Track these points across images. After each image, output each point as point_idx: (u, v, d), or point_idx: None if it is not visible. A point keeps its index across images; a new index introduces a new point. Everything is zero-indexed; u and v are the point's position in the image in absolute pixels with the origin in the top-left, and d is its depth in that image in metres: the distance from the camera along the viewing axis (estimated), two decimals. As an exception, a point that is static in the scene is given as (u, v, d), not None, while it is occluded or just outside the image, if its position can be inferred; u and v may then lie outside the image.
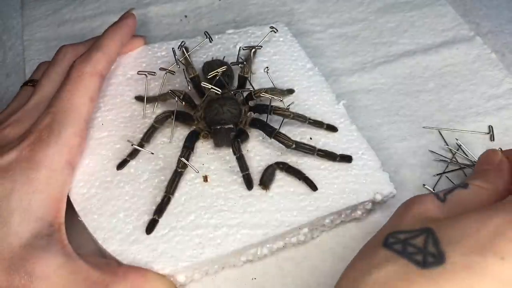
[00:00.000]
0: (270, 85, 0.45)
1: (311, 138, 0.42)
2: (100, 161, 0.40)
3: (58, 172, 0.36)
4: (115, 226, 0.37)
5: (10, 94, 0.50)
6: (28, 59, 0.53)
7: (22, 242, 0.33)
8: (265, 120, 0.42)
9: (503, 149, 0.45)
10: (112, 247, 0.36)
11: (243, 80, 0.45)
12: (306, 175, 0.39)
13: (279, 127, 0.41)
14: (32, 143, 0.36)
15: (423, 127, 0.47)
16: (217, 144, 0.41)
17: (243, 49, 0.47)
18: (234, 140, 0.39)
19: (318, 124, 0.43)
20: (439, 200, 0.32)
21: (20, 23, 0.57)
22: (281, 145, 0.40)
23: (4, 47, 0.55)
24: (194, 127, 0.42)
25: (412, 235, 0.29)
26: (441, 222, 0.29)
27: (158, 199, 0.38)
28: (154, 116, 0.42)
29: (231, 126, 0.41)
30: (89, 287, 0.33)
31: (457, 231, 0.28)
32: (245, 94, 0.44)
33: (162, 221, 0.38)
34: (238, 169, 0.39)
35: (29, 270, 0.32)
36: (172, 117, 0.41)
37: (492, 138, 0.46)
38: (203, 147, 0.42)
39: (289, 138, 0.40)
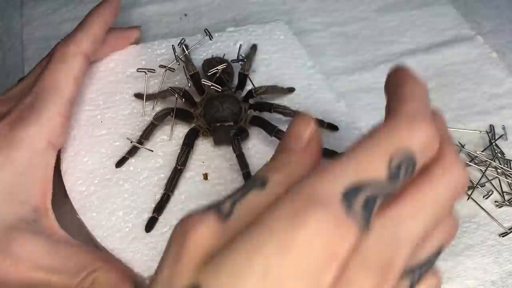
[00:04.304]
0: (270, 83, 0.45)
1: (311, 136, 0.42)
2: (99, 159, 0.40)
3: (40, 153, 0.35)
4: (114, 224, 0.37)
5: (9, 94, 0.50)
6: (27, 59, 0.53)
7: (6, 225, 0.32)
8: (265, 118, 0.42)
9: (503, 149, 0.45)
10: (111, 245, 0.36)
11: (243, 78, 0.45)
12: (307, 173, 0.39)
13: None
14: (13, 121, 0.35)
15: (424, 126, 0.47)
16: (217, 142, 0.41)
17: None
18: (234, 138, 0.39)
19: (318, 123, 0.43)
20: (220, 218, 0.22)
21: (20, 23, 0.57)
22: (281, 143, 0.40)
23: (4, 47, 0.55)
24: (194, 124, 0.42)
25: None
26: (214, 262, 0.20)
27: (158, 197, 0.38)
28: (153, 114, 0.41)
29: (231, 123, 0.41)
30: (78, 271, 0.32)
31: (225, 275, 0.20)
32: (245, 92, 0.44)
33: (161, 219, 0.37)
34: (238, 167, 0.39)
35: (15, 252, 0.31)
36: (171, 114, 0.41)
37: (493, 137, 0.46)
38: (203, 144, 0.42)
39: (289, 136, 0.40)
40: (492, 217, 0.41)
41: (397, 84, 0.25)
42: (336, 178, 0.21)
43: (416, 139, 0.22)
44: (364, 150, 0.22)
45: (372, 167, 0.22)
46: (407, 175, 0.22)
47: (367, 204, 0.21)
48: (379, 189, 0.21)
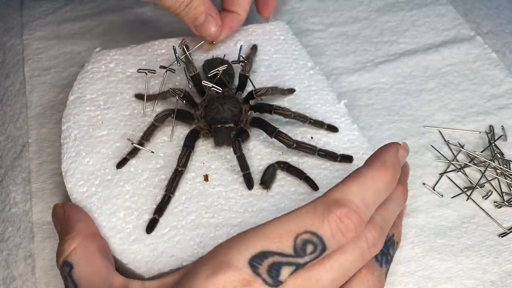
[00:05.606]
0: (270, 84, 0.45)
1: (312, 138, 0.42)
2: (100, 159, 0.40)
3: None
4: (115, 225, 0.37)
5: (9, 94, 0.50)
6: (27, 58, 0.53)
7: None
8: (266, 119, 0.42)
9: (503, 151, 0.45)
10: (112, 246, 0.36)
11: (243, 79, 0.45)
12: (307, 174, 0.39)
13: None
14: None
15: (424, 127, 0.47)
16: (218, 143, 0.41)
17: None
18: (235, 139, 0.39)
19: (319, 124, 0.43)
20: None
21: (20, 23, 0.57)
22: (282, 144, 0.40)
23: (4, 47, 0.55)
24: (195, 126, 0.42)
25: None
26: None
27: (159, 198, 0.38)
28: (154, 115, 0.41)
29: (232, 125, 0.41)
30: None
31: None
32: (245, 93, 0.44)
33: (162, 220, 0.37)
34: (239, 168, 0.39)
35: None
36: (172, 115, 0.41)
37: (493, 137, 0.46)
38: (204, 146, 0.42)
39: (289, 137, 0.40)
40: (491, 217, 0.41)
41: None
42: (245, 246, 0.27)
43: (327, 228, 0.27)
44: (273, 226, 0.28)
45: (279, 240, 0.27)
46: (315, 252, 0.27)
47: (271, 268, 0.27)
48: (285, 258, 0.27)
